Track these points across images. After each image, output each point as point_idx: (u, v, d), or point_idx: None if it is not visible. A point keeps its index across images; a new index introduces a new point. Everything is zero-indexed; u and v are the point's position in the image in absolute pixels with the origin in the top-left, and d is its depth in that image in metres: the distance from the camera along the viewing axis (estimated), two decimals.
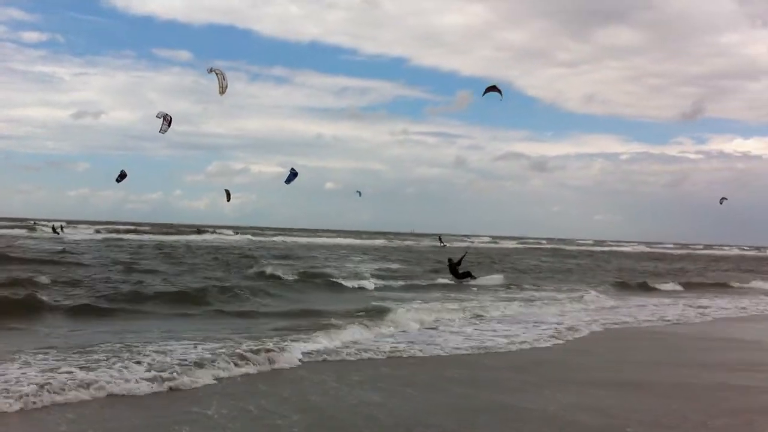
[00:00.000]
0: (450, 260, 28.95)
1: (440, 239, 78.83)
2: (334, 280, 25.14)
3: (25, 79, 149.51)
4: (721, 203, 42.82)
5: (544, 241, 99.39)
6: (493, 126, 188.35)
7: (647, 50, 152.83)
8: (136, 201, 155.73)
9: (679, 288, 30.11)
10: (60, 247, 38.99)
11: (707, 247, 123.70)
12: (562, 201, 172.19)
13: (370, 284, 24.67)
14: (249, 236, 77.60)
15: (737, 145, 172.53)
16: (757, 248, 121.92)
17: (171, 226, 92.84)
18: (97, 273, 23.67)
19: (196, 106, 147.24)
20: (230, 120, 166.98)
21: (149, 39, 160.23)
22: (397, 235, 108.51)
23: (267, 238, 76.51)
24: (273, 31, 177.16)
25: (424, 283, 26.39)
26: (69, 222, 69.81)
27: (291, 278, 24.93)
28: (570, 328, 15.72)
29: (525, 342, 13.71)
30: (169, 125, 23.21)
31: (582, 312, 19.36)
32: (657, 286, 29.83)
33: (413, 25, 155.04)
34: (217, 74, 20.87)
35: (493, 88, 23.63)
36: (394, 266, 36.33)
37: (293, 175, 29.03)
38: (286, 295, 20.65)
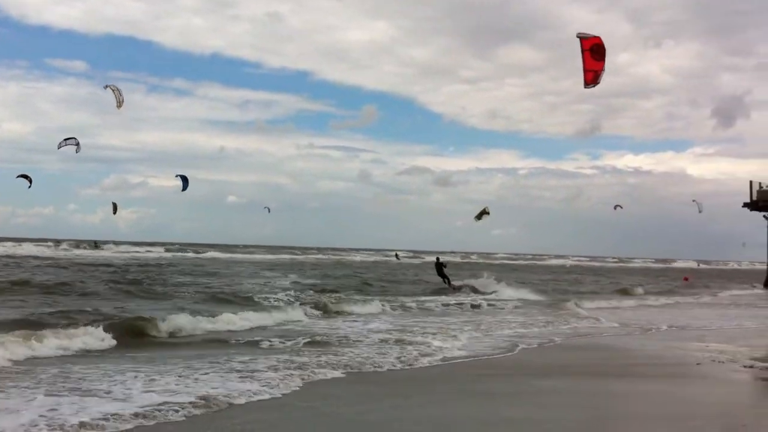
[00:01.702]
0: (438, 259, 34.57)
1: (397, 255, 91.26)
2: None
3: None
4: (615, 209, 46.39)
5: (474, 255, 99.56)
6: (396, 141, 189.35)
7: (546, 69, 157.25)
8: (25, 215, 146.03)
9: None
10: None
11: (620, 261, 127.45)
12: (465, 215, 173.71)
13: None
14: (191, 253, 76.89)
15: (628, 160, 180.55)
16: (664, 260, 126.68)
17: (60, 240, 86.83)
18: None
19: (92, 118, 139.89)
20: (128, 132, 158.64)
21: (43, 49, 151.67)
22: (305, 250, 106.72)
23: (188, 254, 72.57)
24: (174, 43, 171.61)
25: (411, 302, 24.39)
26: None
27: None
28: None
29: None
30: (65, 142, 24.93)
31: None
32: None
33: (317, 40, 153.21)
34: (113, 90, 21.53)
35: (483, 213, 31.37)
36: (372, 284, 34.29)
37: (183, 179, 29.94)
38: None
